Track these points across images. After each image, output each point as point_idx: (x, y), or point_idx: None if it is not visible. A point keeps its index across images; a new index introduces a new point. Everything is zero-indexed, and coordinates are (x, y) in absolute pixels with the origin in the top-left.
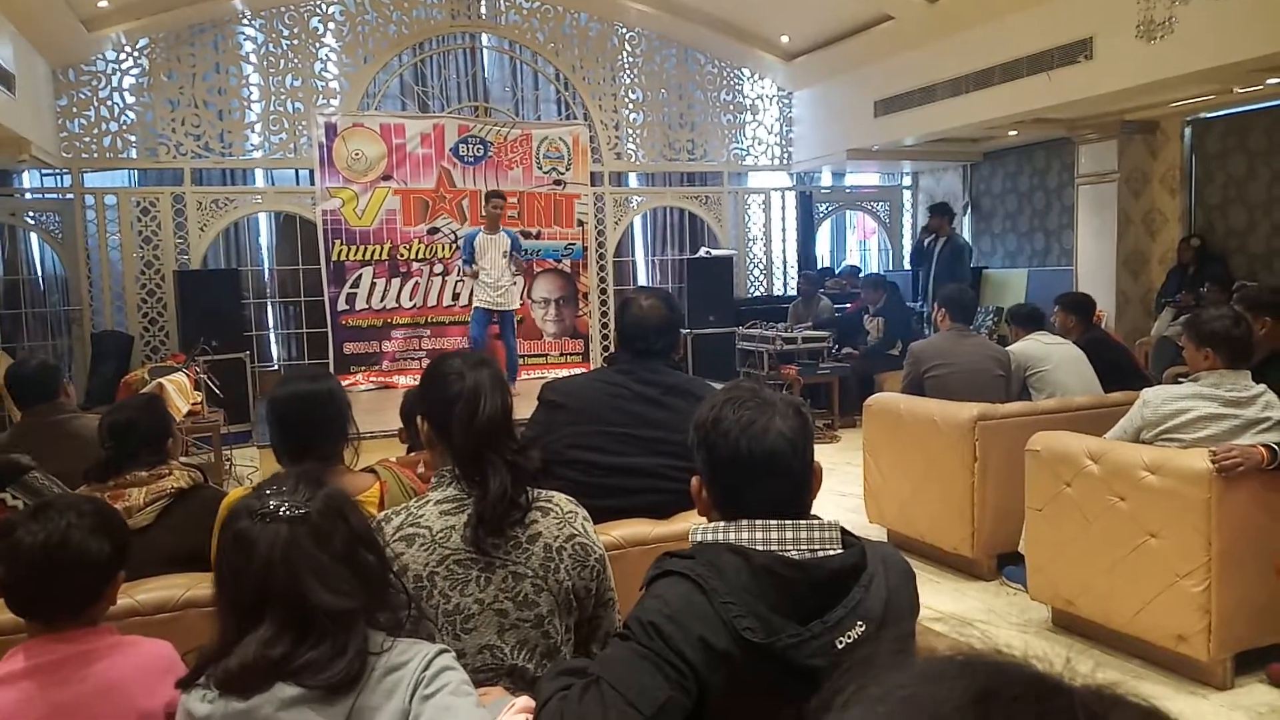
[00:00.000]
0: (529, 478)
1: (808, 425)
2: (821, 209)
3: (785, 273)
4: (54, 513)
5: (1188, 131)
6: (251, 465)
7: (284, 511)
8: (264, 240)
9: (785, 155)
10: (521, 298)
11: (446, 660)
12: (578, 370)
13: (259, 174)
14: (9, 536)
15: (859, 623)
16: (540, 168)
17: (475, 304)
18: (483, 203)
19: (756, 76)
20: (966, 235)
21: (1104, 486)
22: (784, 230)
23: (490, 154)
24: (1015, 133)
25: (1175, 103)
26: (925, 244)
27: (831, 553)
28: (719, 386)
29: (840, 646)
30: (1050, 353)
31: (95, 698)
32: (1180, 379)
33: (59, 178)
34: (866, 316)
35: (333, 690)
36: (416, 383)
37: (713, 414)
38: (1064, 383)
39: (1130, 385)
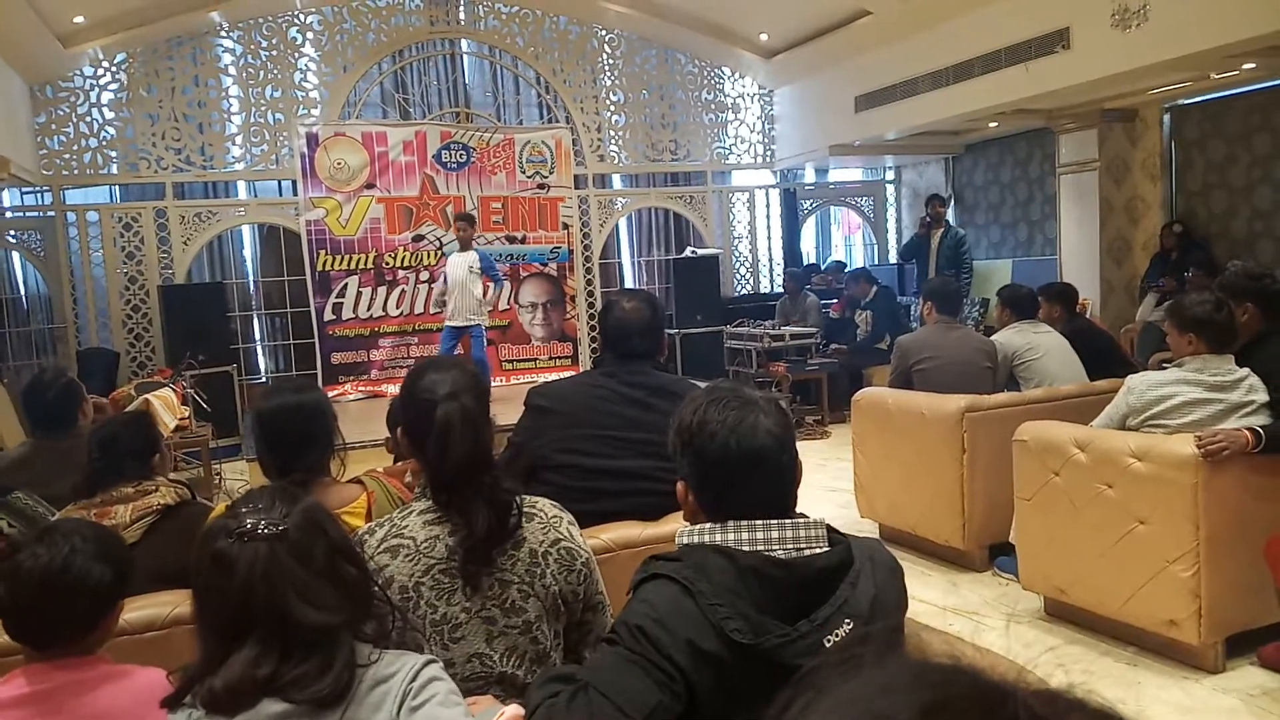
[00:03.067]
0: (510, 509)
1: (789, 420)
2: (806, 205)
3: (771, 270)
4: (59, 537)
5: (1166, 118)
6: (241, 479)
7: (262, 529)
8: (248, 252)
9: (768, 153)
10: (509, 302)
11: (434, 670)
12: (567, 373)
13: (241, 186)
14: (13, 558)
15: (846, 620)
16: (524, 172)
17: (446, 322)
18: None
19: (737, 75)
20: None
21: (1092, 475)
22: (769, 228)
23: (473, 160)
24: (996, 124)
25: (1153, 90)
26: (923, 235)
27: (818, 551)
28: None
29: (828, 645)
30: (1037, 341)
31: None
32: (1165, 365)
33: (39, 195)
34: (857, 311)
35: (320, 704)
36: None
37: (697, 417)
38: (1052, 371)
39: (1116, 372)
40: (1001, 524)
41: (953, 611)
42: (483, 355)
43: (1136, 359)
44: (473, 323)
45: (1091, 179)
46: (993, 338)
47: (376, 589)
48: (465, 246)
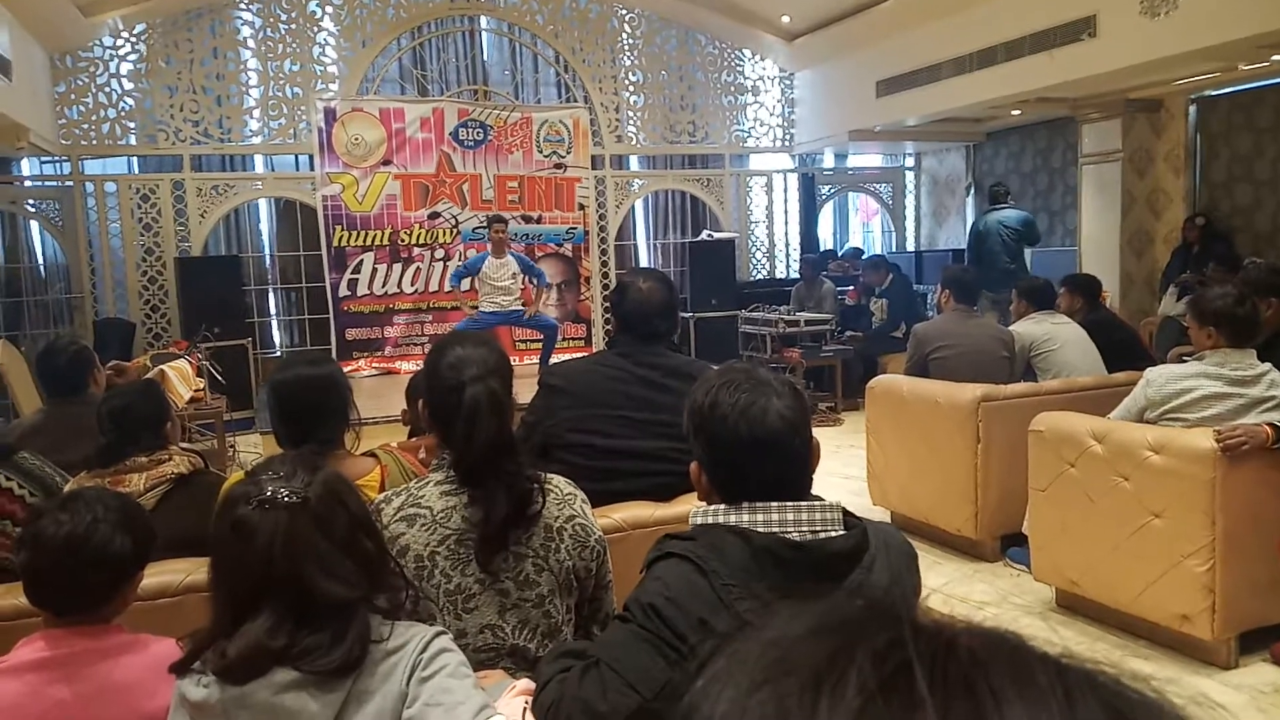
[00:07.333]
0: (530, 496)
1: (804, 403)
2: (824, 191)
3: (788, 255)
4: (82, 505)
5: (1192, 109)
6: (255, 451)
7: (283, 498)
8: (265, 226)
9: (787, 137)
10: (523, 282)
11: (444, 642)
12: (580, 354)
13: (258, 160)
14: (35, 524)
15: (859, 600)
16: (541, 151)
17: (482, 309)
18: (486, 228)
19: (757, 57)
20: (970, 216)
21: (1108, 467)
22: (786, 213)
23: (490, 138)
24: (1018, 112)
25: (1180, 80)
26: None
27: (833, 534)
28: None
29: None
30: (1055, 333)
31: (98, 697)
32: (1185, 358)
33: (58, 165)
34: (873, 298)
35: (331, 674)
36: (419, 368)
37: (709, 399)
38: (1070, 363)
39: (1135, 365)
40: (1014, 514)
41: (962, 600)
42: (541, 315)
43: (1156, 353)
44: (515, 309)
45: (1114, 170)
46: (1011, 327)
47: (393, 562)
48: (500, 250)
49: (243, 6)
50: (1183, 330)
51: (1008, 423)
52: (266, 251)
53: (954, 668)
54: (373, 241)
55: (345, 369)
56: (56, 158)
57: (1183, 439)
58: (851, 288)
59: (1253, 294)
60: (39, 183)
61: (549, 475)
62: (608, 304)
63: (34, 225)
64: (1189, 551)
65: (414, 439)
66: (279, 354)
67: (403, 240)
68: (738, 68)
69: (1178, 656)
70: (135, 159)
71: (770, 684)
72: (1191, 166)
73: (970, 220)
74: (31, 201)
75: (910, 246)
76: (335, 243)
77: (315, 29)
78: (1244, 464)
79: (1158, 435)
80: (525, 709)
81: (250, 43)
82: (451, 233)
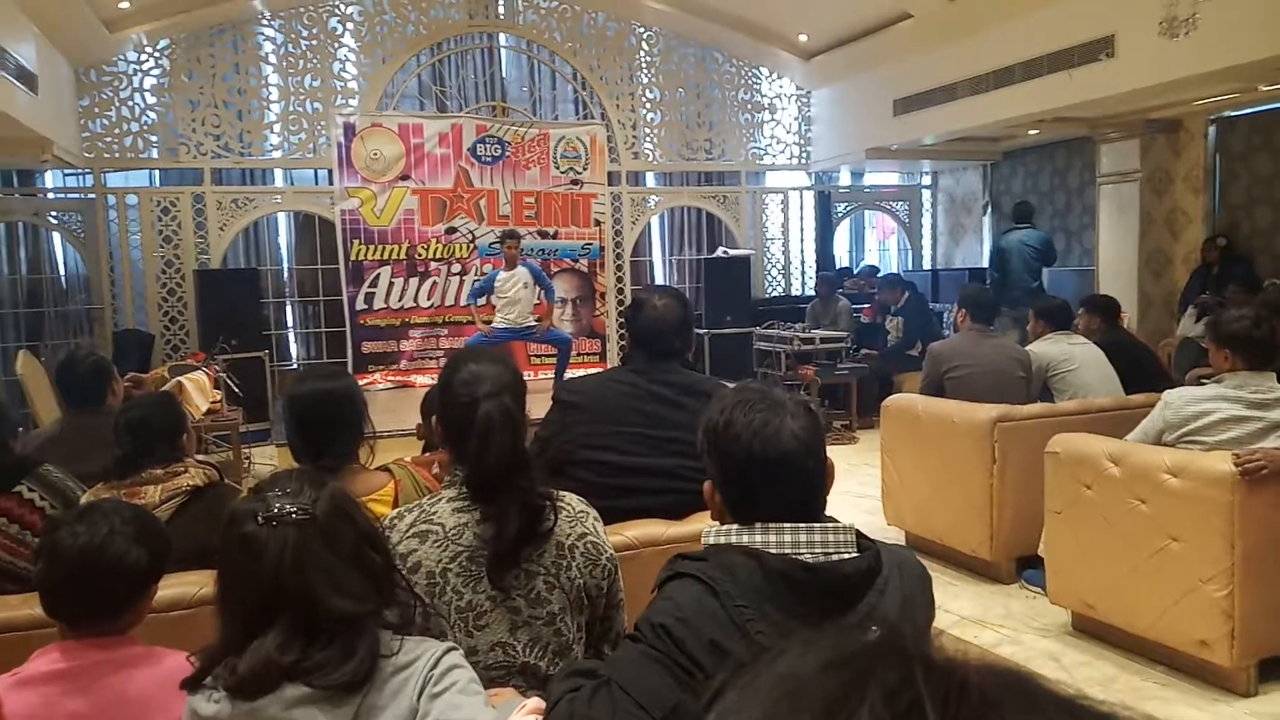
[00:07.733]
0: (543, 513)
1: (818, 424)
2: (840, 209)
3: (804, 273)
4: (98, 517)
5: (1212, 130)
6: (270, 463)
7: (291, 514)
8: (283, 240)
9: (804, 154)
10: (538, 297)
11: (455, 658)
12: (594, 370)
13: (278, 174)
14: (52, 535)
15: (873, 628)
16: (558, 167)
17: (495, 325)
18: (500, 243)
19: (775, 75)
20: (986, 235)
21: (1125, 489)
22: (802, 230)
23: (508, 154)
24: (1036, 132)
25: (1199, 101)
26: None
27: (846, 556)
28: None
29: None
30: (1073, 353)
31: (112, 709)
32: (1203, 380)
33: (81, 178)
34: (889, 317)
35: (341, 689)
36: (434, 383)
37: (723, 418)
38: (1087, 383)
39: (1153, 387)
40: (1030, 536)
41: (977, 623)
42: (556, 330)
43: (1173, 374)
44: (528, 325)
45: (1132, 190)
46: (1028, 348)
47: (400, 577)
48: (512, 265)
49: (264, 22)
50: (1201, 352)
51: (1024, 444)
52: (285, 265)
53: (966, 708)
54: (390, 256)
55: (361, 382)
56: (79, 170)
57: (1201, 462)
58: (867, 306)
59: (1271, 316)
60: (62, 195)
61: (561, 493)
62: (623, 320)
63: (56, 237)
64: (1207, 576)
65: (428, 454)
66: (295, 366)
67: (419, 255)
68: (755, 85)
69: (1196, 683)
70: (157, 172)
71: (782, 719)
72: (1211, 187)
73: (986, 239)
74: (54, 213)
75: (926, 265)
76: (352, 256)
77: (336, 45)
78: (1263, 488)
79: (1175, 458)
80: None
81: (271, 58)
82: (468, 248)
